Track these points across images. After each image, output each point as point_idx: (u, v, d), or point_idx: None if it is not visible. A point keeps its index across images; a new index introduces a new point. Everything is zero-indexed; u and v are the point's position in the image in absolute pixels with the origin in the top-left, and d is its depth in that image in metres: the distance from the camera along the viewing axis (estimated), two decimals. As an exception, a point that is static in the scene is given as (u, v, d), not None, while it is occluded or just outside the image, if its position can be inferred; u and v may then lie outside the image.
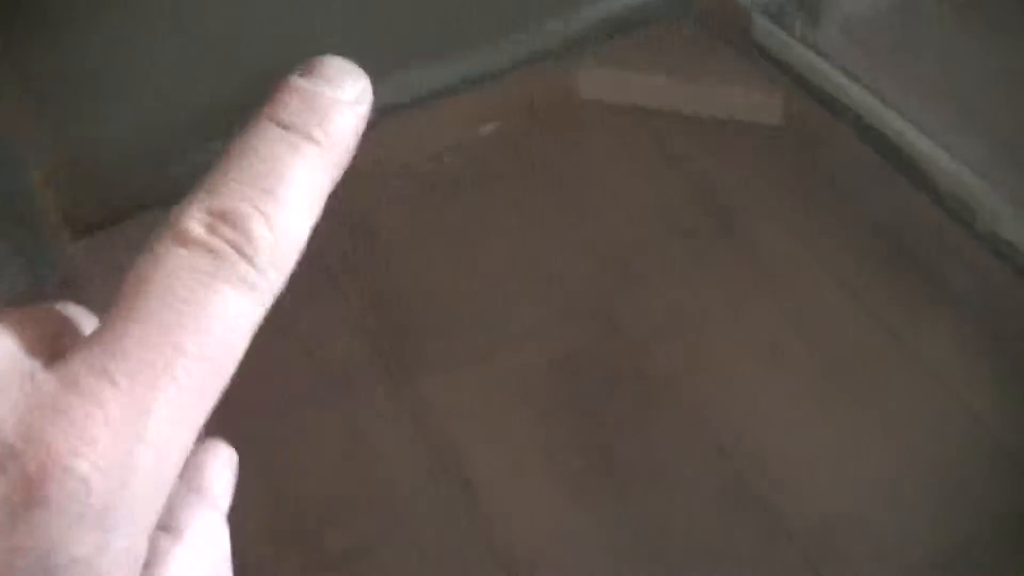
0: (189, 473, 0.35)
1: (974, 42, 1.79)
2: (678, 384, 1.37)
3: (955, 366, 1.37)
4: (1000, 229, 1.46)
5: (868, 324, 1.43)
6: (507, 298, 1.46)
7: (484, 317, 1.44)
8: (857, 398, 1.35)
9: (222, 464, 0.37)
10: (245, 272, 0.30)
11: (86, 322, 0.33)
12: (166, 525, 0.32)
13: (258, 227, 0.31)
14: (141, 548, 0.28)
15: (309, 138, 0.33)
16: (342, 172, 0.36)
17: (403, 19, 1.59)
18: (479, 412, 1.34)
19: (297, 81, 0.35)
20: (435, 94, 1.64)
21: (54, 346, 0.29)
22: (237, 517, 0.36)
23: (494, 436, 1.32)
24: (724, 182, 1.60)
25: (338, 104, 0.35)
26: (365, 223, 1.56)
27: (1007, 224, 1.46)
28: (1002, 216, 1.45)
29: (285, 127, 0.34)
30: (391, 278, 1.49)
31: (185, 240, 0.30)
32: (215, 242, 0.30)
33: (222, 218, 0.31)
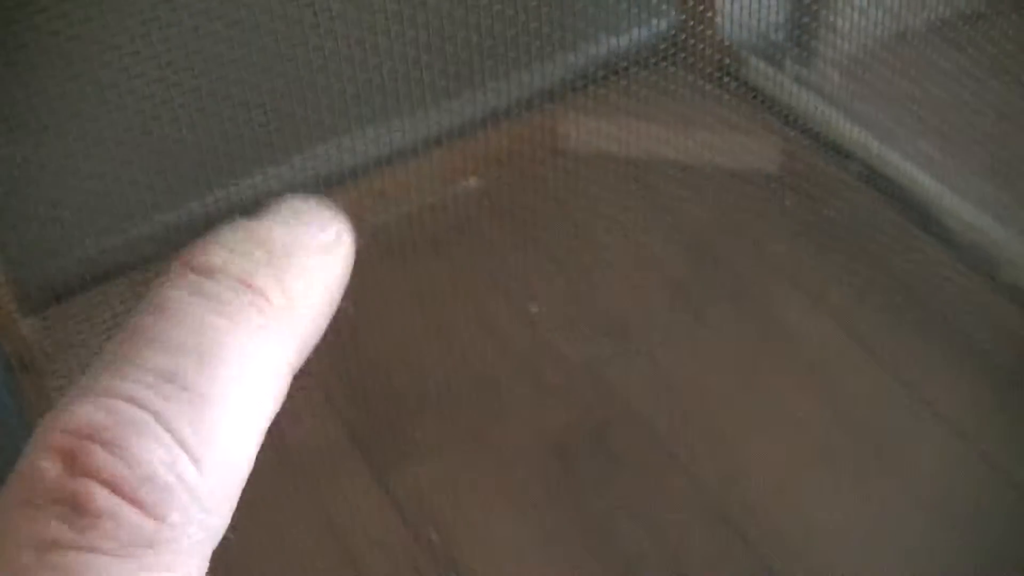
0: None
1: (976, 79, 1.72)
2: (683, 458, 1.27)
3: (981, 424, 1.29)
4: (1020, 278, 1.37)
5: (882, 379, 1.35)
6: (494, 370, 1.36)
7: (469, 393, 1.34)
8: (876, 459, 1.27)
9: None
10: None
11: None
12: None
13: (170, 474, 0.20)
14: None
15: (262, 297, 0.24)
16: (313, 343, 0.25)
17: (376, 74, 1.50)
18: (467, 499, 1.24)
19: (244, 224, 0.25)
20: (411, 149, 1.55)
21: None
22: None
23: (485, 525, 1.22)
24: (721, 233, 1.51)
25: (304, 250, 0.25)
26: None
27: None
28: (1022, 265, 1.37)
29: (221, 282, 0.24)
30: (364, 352, 1.39)
31: (31, 493, 0.19)
32: (75, 498, 0.19)
33: (102, 446, 0.20)
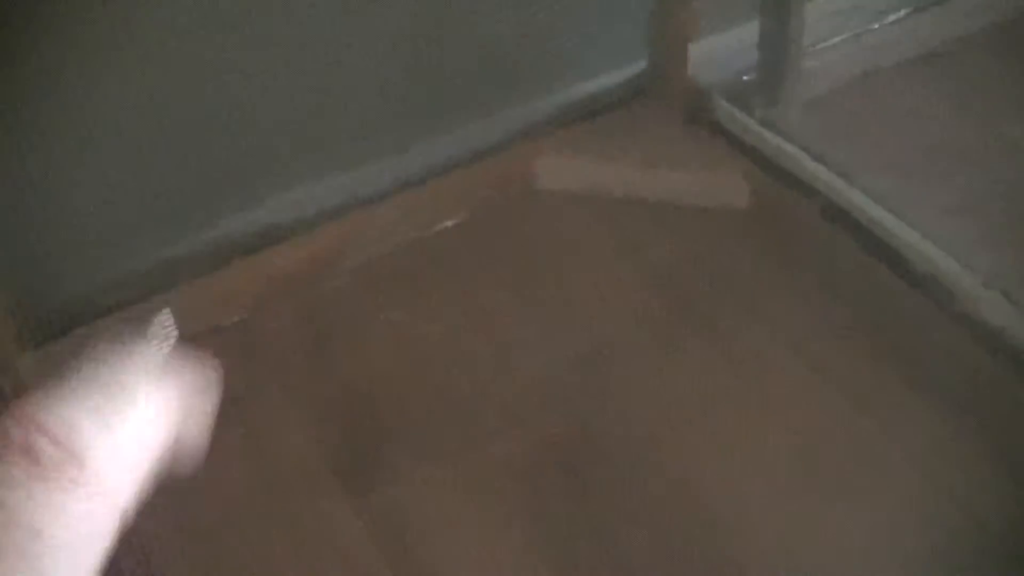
0: None
1: (934, 117, 1.78)
2: (650, 482, 1.32)
3: (939, 451, 1.33)
4: (976, 311, 1.42)
5: (845, 410, 1.39)
6: (471, 398, 1.41)
7: (447, 419, 1.39)
8: (839, 489, 1.31)
9: None
10: None
11: None
12: None
13: None
14: None
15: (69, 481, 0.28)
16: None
17: (352, 117, 1.56)
18: (443, 518, 1.28)
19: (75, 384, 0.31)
20: (392, 190, 1.60)
21: None
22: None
23: (460, 543, 1.26)
24: (691, 270, 1.56)
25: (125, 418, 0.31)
26: (320, 321, 1.51)
27: (984, 305, 1.42)
28: (979, 298, 1.42)
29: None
30: (347, 380, 1.44)
31: None
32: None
33: None
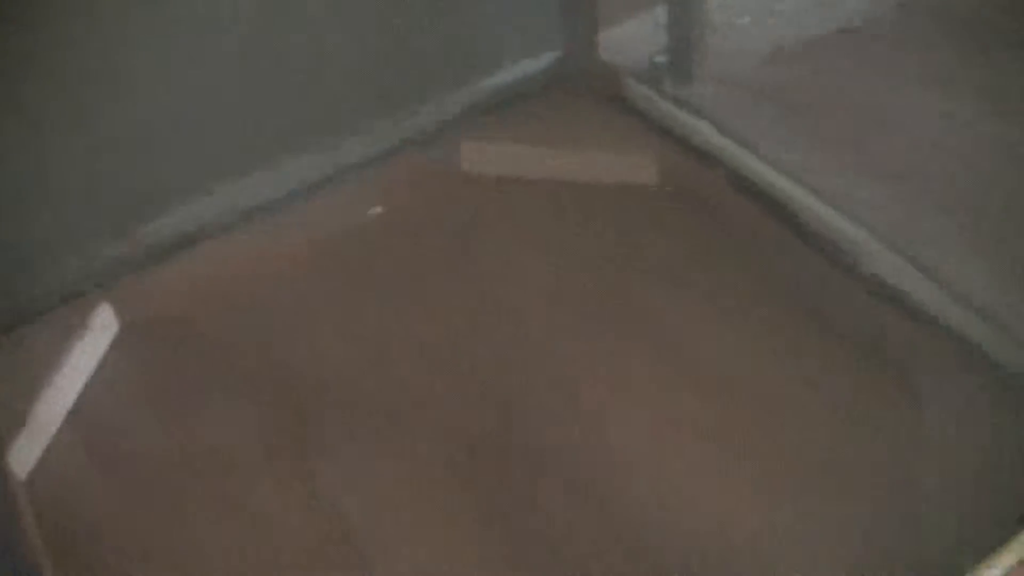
0: None
1: (849, 88, 1.86)
2: (575, 454, 1.37)
3: (862, 411, 1.39)
4: (881, 271, 1.50)
5: (766, 374, 1.44)
6: (400, 380, 1.47)
7: (377, 400, 1.45)
8: (765, 454, 1.36)
9: None
10: None
11: None
12: None
13: None
14: None
15: None
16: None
17: (282, 110, 1.63)
18: (374, 492, 1.34)
19: None
20: (320, 183, 1.67)
21: None
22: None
23: (391, 514, 1.32)
24: (610, 247, 1.62)
25: None
26: (255, 309, 1.57)
27: (888, 267, 1.50)
28: (883, 260, 1.49)
29: None
30: (282, 365, 1.49)
31: None
32: None
33: None
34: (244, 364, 1.50)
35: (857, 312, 1.50)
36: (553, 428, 1.41)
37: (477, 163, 1.74)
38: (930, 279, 1.47)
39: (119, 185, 1.55)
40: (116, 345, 1.49)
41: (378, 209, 1.69)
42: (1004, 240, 1.50)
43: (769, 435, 1.39)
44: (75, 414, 1.42)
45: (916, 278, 1.49)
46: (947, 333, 1.44)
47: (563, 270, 1.60)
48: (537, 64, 1.81)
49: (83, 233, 1.55)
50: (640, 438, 1.39)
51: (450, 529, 1.31)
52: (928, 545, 1.24)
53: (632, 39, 1.82)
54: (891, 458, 1.34)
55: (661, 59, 1.81)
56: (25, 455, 1.36)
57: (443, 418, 1.42)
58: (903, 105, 1.79)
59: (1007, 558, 1.24)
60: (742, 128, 1.70)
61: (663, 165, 1.70)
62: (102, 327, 1.51)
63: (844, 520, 1.28)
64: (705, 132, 1.70)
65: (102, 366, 1.47)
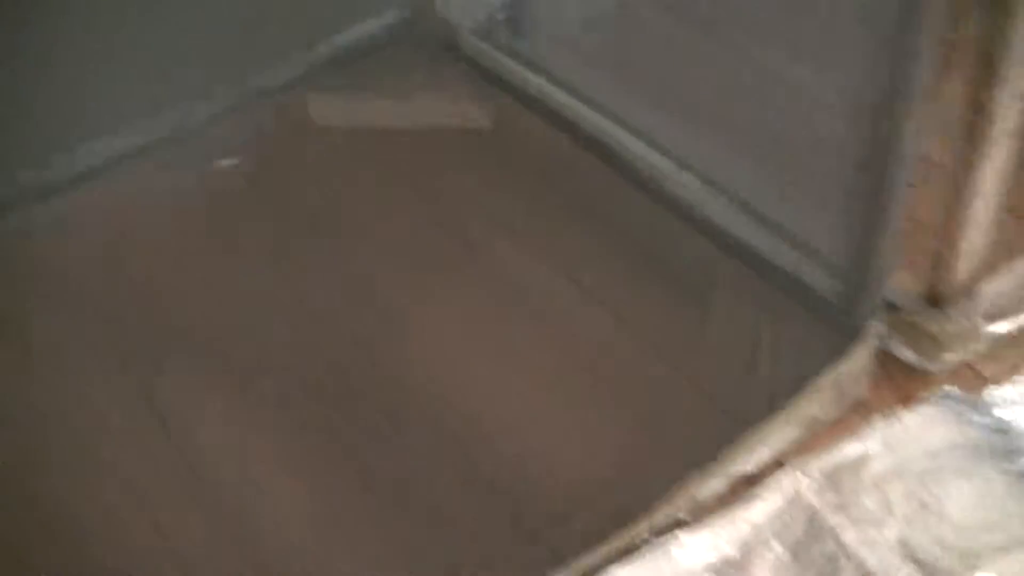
0: None
1: (680, 39, 1.99)
2: (419, 396, 1.46)
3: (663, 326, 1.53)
4: (694, 202, 1.63)
5: (591, 309, 1.57)
6: (257, 326, 1.56)
7: (235, 344, 1.54)
8: (597, 392, 1.46)
9: None
10: None
11: None
12: None
13: None
14: None
15: None
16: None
17: (135, 68, 1.74)
18: (230, 427, 1.44)
19: None
20: (174, 136, 1.80)
21: None
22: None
23: (238, 440, 1.42)
24: (452, 191, 1.74)
25: None
26: (117, 249, 1.68)
27: (701, 199, 1.63)
28: (691, 187, 1.63)
29: None
30: (143, 312, 1.59)
31: None
32: None
33: None
34: (97, 290, 1.61)
35: (663, 231, 1.64)
36: (397, 369, 1.50)
37: (325, 116, 1.87)
38: (721, 195, 1.61)
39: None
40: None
41: (234, 160, 1.81)
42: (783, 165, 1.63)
43: (573, 354, 1.52)
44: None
45: (709, 194, 1.63)
46: (736, 244, 1.58)
47: (406, 219, 1.71)
48: (382, 21, 1.95)
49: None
50: (478, 372, 1.49)
51: (302, 464, 1.39)
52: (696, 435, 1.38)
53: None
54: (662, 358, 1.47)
55: (499, 16, 1.95)
56: None
57: (291, 360, 1.51)
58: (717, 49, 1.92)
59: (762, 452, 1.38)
60: (570, 76, 1.83)
61: (494, 111, 1.83)
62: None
63: (621, 420, 1.42)
64: (533, 81, 1.83)
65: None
